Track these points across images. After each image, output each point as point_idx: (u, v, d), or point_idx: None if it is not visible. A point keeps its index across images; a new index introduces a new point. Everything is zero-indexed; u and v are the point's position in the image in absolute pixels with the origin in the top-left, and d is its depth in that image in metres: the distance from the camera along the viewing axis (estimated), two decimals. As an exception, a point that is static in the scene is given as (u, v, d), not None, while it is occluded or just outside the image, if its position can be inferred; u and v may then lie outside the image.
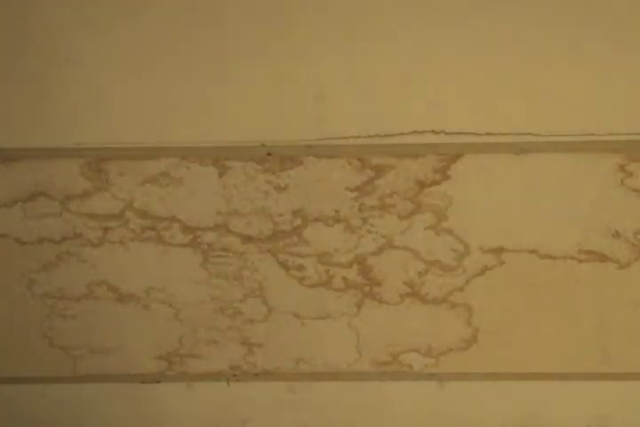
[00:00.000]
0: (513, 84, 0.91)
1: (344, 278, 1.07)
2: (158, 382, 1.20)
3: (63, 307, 1.11)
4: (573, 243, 1.02)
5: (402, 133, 0.94)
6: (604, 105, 0.92)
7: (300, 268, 1.06)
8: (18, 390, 1.22)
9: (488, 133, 0.94)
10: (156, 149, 0.97)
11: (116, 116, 0.95)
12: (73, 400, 1.23)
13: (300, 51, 0.91)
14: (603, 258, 1.02)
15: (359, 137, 0.95)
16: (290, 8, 0.89)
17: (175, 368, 1.17)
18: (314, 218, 1.02)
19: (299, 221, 1.02)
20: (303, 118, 0.94)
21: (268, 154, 0.97)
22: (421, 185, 0.98)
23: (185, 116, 0.95)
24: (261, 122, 0.95)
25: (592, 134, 0.93)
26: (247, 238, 1.04)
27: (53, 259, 1.07)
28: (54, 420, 1.25)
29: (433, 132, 0.94)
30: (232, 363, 1.17)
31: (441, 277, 1.06)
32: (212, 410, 1.23)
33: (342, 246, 1.04)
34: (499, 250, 1.03)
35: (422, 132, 0.94)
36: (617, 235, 1.00)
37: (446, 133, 0.94)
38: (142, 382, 1.20)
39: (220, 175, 0.99)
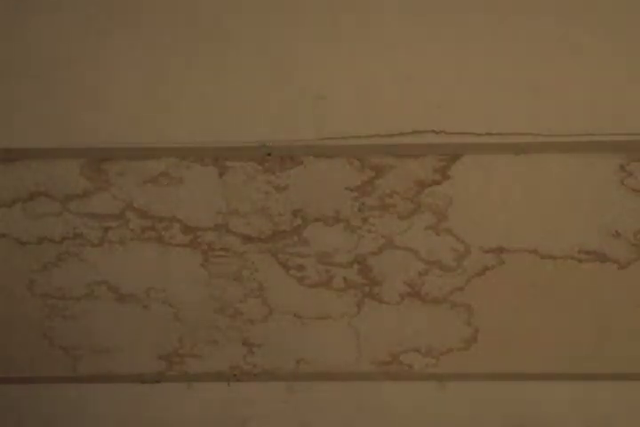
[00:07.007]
0: (513, 84, 0.91)
1: (344, 278, 1.07)
2: (158, 382, 1.20)
3: (63, 307, 1.11)
4: (573, 243, 1.02)
5: (402, 133, 0.94)
6: (604, 105, 0.92)
7: (300, 268, 1.06)
8: (18, 390, 1.22)
9: (488, 133, 0.94)
10: (156, 149, 0.97)
11: (116, 116, 0.95)
12: (73, 400, 1.23)
13: (300, 51, 0.91)
14: (603, 258, 1.02)
15: (359, 137, 0.95)
16: (290, 9, 0.89)
17: (175, 368, 1.17)
18: (314, 218, 1.02)
19: (299, 221, 1.02)
20: (303, 118, 0.94)
21: (268, 154, 0.97)
22: (421, 185, 0.98)
23: (185, 116, 0.95)
24: (261, 122, 0.95)
25: (592, 134, 0.93)
26: (247, 238, 1.04)
27: (53, 259, 1.07)
28: (54, 420, 1.25)
29: (433, 132, 0.94)
30: (232, 363, 1.17)
31: (441, 277, 1.06)
32: (211, 410, 1.23)
33: (342, 246, 1.04)
34: (499, 250, 1.03)
35: (422, 132, 0.94)
36: (617, 235, 1.00)
37: (446, 133, 0.94)
38: (142, 382, 1.20)
39: (220, 175, 0.99)
